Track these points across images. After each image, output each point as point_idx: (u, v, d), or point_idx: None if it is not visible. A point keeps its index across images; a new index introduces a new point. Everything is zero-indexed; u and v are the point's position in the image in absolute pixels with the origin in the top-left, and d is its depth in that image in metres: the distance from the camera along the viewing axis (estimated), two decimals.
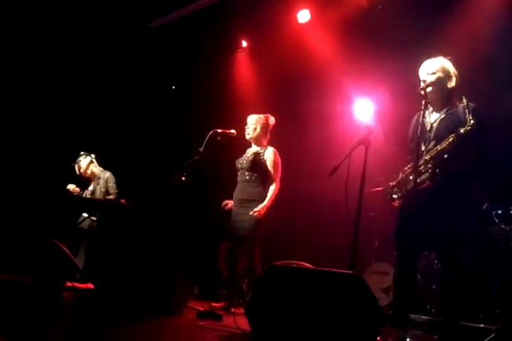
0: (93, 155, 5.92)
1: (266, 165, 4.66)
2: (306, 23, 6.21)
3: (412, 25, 5.12)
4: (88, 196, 5.83)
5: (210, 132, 4.84)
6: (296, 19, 6.25)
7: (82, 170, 5.84)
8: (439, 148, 3.20)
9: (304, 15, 6.19)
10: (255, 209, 4.47)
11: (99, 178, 5.84)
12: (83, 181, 5.93)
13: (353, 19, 5.66)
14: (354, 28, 5.66)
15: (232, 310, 4.08)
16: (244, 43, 7.00)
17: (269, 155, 4.70)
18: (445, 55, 3.42)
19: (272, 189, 4.61)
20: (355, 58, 5.42)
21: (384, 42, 5.29)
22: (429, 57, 3.44)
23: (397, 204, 3.42)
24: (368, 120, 5.33)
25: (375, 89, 5.32)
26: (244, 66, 7.09)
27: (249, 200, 4.60)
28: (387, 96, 5.08)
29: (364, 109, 5.56)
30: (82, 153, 5.89)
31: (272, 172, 4.65)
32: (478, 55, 4.46)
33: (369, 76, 5.29)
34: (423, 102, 3.29)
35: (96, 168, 5.90)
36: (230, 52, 7.12)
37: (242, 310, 3.96)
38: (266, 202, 4.53)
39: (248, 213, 4.53)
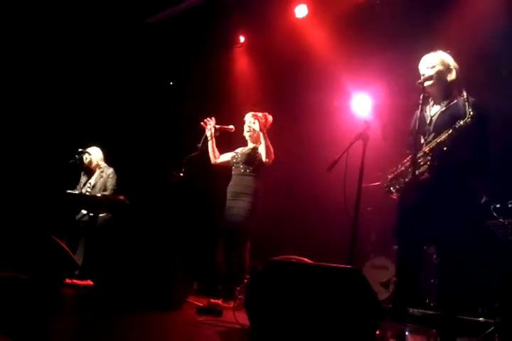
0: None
1: (260, 160, 4.63)
2: (304, 18, 6.20)
3: (411, 19, 5.11)
4: (89, 190, 5.81)
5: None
6: (293, 14, 6.23)
7: (92, 160, 5.91)
8: (438, 140, 3.19)
9: (301, 10, 6.18)
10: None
11: (102, 171, 5.88)
12: (86, 171, 5.98)
13: (350, 13, 5.64)
14: (352, 22, 5.65)
15: (231, 305, 4.08)
16: (242, 39, 6.98)
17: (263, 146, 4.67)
18: (444, 49, 3.41)
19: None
20: (353, 53, 5.41)
21: (382, 37, 5.27)
22: (427, 51, 3.43)
23: (395, 197, 3.42)
24: (366, 114, 5.32)
25: (373, 83, 5.30)
26: (242, 61, 7.07)
27: (242, 193, 4.59)
28: (386, 90, 5.07)
29: (362, 104, 5.56)
30: (80, 149, 5.89)
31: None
32: (477, 50, 4.44)
33: (367, 70, 5.27)
34: (421, 96, 3.28)
35: (102, 162, 6.00)
36: (228, 48, 7.10)
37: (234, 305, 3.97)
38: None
39: (240, 206, 4.52)
